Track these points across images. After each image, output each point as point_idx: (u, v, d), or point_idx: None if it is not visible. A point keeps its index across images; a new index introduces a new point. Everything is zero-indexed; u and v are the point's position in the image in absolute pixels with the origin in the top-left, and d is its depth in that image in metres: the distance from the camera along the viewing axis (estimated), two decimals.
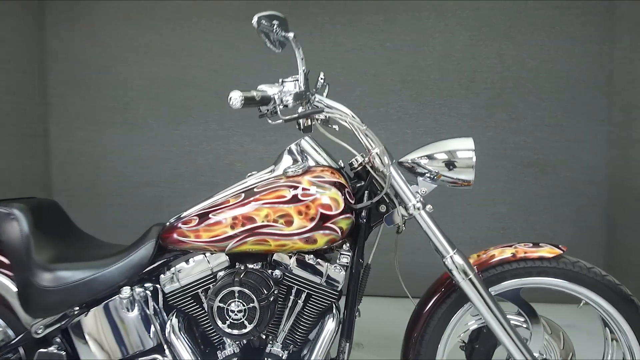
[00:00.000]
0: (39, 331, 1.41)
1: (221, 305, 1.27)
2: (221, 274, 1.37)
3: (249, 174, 1.52)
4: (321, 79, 1.69)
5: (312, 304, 1.36)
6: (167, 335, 1.40)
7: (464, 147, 1.35)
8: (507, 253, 1.38)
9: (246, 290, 1.26)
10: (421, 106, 3.15)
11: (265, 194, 1.33)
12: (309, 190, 1.30)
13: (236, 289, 1.26)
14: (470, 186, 1.38)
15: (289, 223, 1.29)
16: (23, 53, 3.02)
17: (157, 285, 1.44)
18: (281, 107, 1.32)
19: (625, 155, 2.86)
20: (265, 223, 1.30)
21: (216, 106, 3.26)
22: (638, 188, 2.75)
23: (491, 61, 3.06)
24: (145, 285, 1.44)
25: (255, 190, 1.35)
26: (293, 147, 1.45)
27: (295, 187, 1.31)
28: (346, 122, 1.38)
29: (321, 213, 1.29)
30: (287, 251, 1.33)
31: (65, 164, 3.38)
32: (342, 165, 1.50)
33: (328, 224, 1.29)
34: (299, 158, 1.43)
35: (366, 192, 1.40)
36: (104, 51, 3.30)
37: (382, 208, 1.40)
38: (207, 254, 1.38)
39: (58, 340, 1.43)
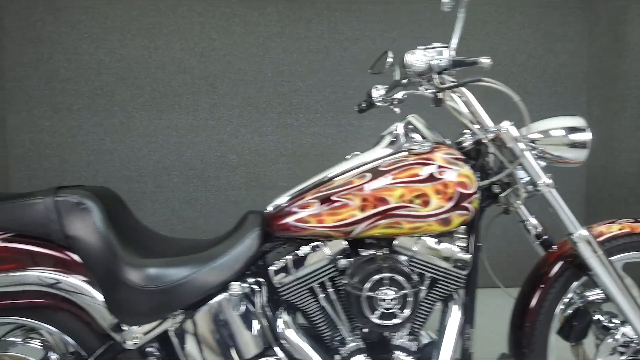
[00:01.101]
0: (135, 341, 1.17)
1: (370, 294, 1.14)
2: (343, 262, 1.25)
3: (352, 154, 1.40)
4: (390, 58, 1.62)
5: (438, 289, 1.28)
6: (279, 333, 1.24)
7: (577, 125, 1.36)
8: (615, 229, 1.41)
9: (397, 277, 1.15)
10: (420, 97, 3.17)
11: (396, 172, 1.22)
12: (445, 167, 1.22)
13: (386, 275, 1.14)
14: (580, 164, 1.39)
15: (426, 203, 1.20)
16: None
17: (259, 279, 1.27)
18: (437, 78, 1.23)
19: (604, 145, 3.12)
20: (400, 204, 1.20)
21: (206, 93, 3.02)
22: (616, 176, 3.01)
23: (484, 55, 3.17)
24: (248, 280, 1.26)
25: (381, 169, 1.24)
26: (400, 125, 1.36)
27: (430, 165, 1.22)
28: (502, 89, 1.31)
29: (459, 192, 1.22)
30: (418, 234, 1.24)
31: (26, 157, 2.91)
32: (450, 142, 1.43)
33: (464, 204, 1.23)
34: (403, 137, 1.34)
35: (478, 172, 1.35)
36: (72, 29, 2.90)
37: (496, 188, 1.36)
38: (325, 241, 1.25)
39: (151, 350, 1.20)
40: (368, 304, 1.15)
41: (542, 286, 1.44)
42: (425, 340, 1.33)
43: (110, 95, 2.96)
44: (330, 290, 1.27)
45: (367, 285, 1.14)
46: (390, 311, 1.15)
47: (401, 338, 1.28)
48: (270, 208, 1.32)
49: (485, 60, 1.27)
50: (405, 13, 3.10)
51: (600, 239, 1.40)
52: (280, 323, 1.26)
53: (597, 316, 1.44)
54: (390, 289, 1.15)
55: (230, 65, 3.02)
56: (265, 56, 3.04)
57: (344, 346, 1.27)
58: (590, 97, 3.20)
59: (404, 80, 1.46)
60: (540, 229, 1.45)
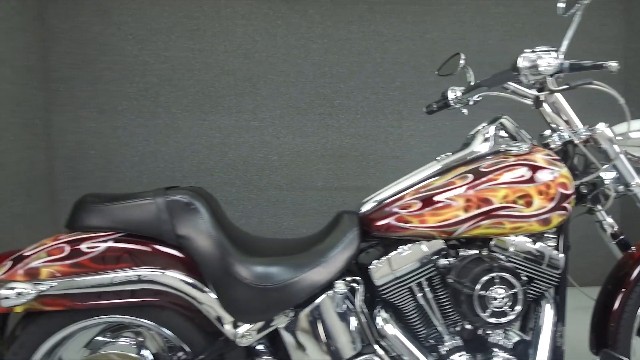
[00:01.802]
0: (249, 339, 1.20)
1: (482, 293, 1.17)
2: (443, 262, 1.27)
3: (442, 155, 1.42)
4: (462, 60, 1.63)
5: (532, 288, 1.31)
6: (379, 330, 1.27)
7: None
8: None
9: (507, 276, 1.18)
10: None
11: (498, 173, 1.25)
12: (546, 168, 1.25)
13: (497, 274, 1.17)
14: None
15: (529, 204, 1.23)
16: (18, 32, 2.57)
17: (356, 278, 1.30)
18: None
19: None
20: (504, 204, 1.23)
21: (249, 94, 3.04)
22: None
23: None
24: (346, 279, 1.29)
25: (482, 170, 1.27)
26: (492, 127, 1.38)
27: (532, 166, 1.25)
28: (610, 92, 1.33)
29: (560, 192, 1.24)
30: (518, 234, 1.26)
31: (71, 158, 2.93)
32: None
33: (564, 204, 1.25)
34: (493, 139, 1.36)
35: None
36: (117, 30, 2.92)
37: (584, 188, 1.38)
38: (423, 241, 1.27)
39: (260, 348, 1.23)
40: (479, 302, 1.17)
41: (624, 289, 1.46)
42: (515, 338, 1.35)
43: (154, 96, 2.98)
44: (427, 289, 1.30)
45: (480, 284, 1.17)
46: (501, 309, 1.18)
47: (497, 336, 1.30)
48: (365, 208, 1.34)
49: (613, 64, 1.29)
50: (445, 14, 3.13)
51: None
52: (379, 321, 1.28)
53: None
54: (501, 288, 1.18)
55: (273, 67, 3.04)
56: (307, 58, 3.06)
57: (442, 344, 1.29)
58: (626, 99, 3.22)
59: (472, 81, 1.48)
60: (616, 228, 1.48)
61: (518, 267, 1.29)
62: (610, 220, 1.49)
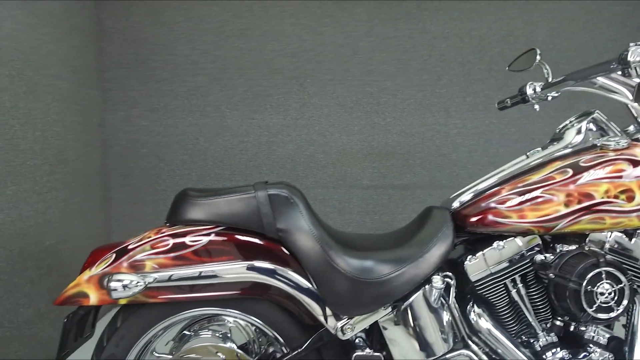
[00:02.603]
0: (348, 331, 1.21)
1: (589, 288, 1.16)
2: (539, 257, 1.27)
3: (532, 151, 1.41)
4: (539, 55, 1.61)
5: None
6: (474, 325, 1.27)
7: None
8: None
9: (614, 270, 1.17)
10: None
11: (599, 168, 1.24)
12: None
13: (603, 269, 1.16)
14: None
15: (631, 199, 1.22)
16: (77, 32, 2.61)
17: (449, 274, 1.30)
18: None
19: None
20: (605, 199, 1.22)
21: (296, 93, 3.06)
22: None
23: (571, 53, 3.16)
24: (440, 274, 1.29)
25: (582, 164, 1.26)
26: (584, 123, 1.36)
27: (633, 161, 1.24)
28: None
29: None
30: (617, 229, 1.25)
31: (123, 156, 2.98)
32: None
33: None
34: (585, 134, 1.35)
35: None
36: (169, 31, 2.97)
37: None
38: (518, 237, 1.27)
39: (358, 341, 1.23)
40: (586, 297, 1.17)
41: None
42: (607, 335, 1.34)
43: (204, 95, 3.01)
44: (520, 285, 1.29)
45: (587, 279, 1.16)
46: (608, 305, 1.17)
47: (592, 332, 1.29)
48: (456, 204, 1.34)
49: None
50: (493, 11, 3.11)
51: None
52: (473, 316, 1.28)
53: None
54: (608, 283, 1.17)
55: (320, 65, 3.05)
56: (354, 56, 3.07)
57: (537, 340, 1.29)
58: None
59: (549, 77, 1.46)
60: None
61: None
62: None
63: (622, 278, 1.17)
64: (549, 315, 1.32)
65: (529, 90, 1.58)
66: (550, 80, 1.55)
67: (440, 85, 3.13)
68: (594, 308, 1.17)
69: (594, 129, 1.35)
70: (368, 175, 3.15)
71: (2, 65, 1.94)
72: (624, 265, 1.28)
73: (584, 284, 1.16)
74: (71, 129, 2.51)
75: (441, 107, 3.14)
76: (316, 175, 3.11)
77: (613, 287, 1.17)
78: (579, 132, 1.35)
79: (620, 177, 1.23)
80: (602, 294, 1.17)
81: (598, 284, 1.17)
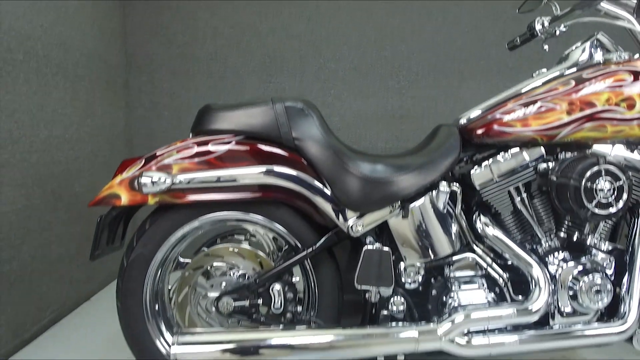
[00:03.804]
0: (359, 229, 1.29)
1: (589, 185, 1.22)
2: (543, 165, 1.33)
3: (537, 72, 1.47)
4: None
5: (631, 195, 1.35)
6: (480, 231, 1.34)
7: None
8: None
9: (613, 168, 1.23)
10: (521, 60, 3.21)
11: (601, 78, 1.30)
12: None
13: (603, 167, 1.22)
14: None
15: (631, 107, 1.27)
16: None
17: (455, 184, 1.37)
18: None
19: None
20: (607, 107, 1.27)
21: (312, 57, 3.14)
22: None
23: None
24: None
25: (585, 76, 1.31)
26: (588, 43, 1.42)
27: (634, 72, 1.29)
28: None
29: None
30: (619, 137, 1.31)
31: (147, 117, 3.11)
32: None
33: None
34: (590, 53, 1.40)
35: None
36: None
37: None
38: (523, 148, 1.33)
39: (369, 240, 1.32)
40: (586, 194, 1.23)
41: None
42: (610, 246, 1.39)
43: (223, 59, 3.12)
44: (524, 194, 1.35)
45: (586, 176, 1.22)
46: (607, 201, 1.23)
47: (594, 239, 1.35)
48: (463, 120, 1.41)
49: None
50: None
51: None
52: (479, 224, 1.35)
53: None
54: (607, 180, 1.23)
55: (336, 30, 3.13)
56: (369, 20, 3.13)
57: (541, 246, 1.35)
58: None
59: (558, 12, 1.51)
60: None
61: None
62: None
63: (622, 175, 1.23)
64: (553, 227, 1.38)
65: (538, 26, 1.63)
66: (558, 14, 1.60)
67: (454, 49, 3.18)
68: (593, 204, 1.23)
69: (598, 48, 1.40)
70: (383, 137, 3.21)
71: (36, 16, 2.07)
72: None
73: (584, 180, 1.22)
74: (98, 85, 2.64)
75: (455, 70, 3.19)
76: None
77: (612, 184, 1.23)
78: (583, 51, 1.40)
79: (621, 86, 1.28)
80: (601, 190, 1.22)
81: (597, 181, 1.22)
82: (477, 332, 1.26)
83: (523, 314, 1.24)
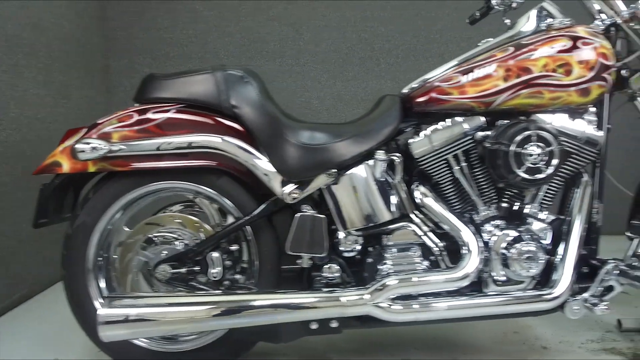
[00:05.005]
0: (295, 196, 1.30)
1: (518, 150, 1.22)
2: (481, 134, 1.32)
3: (483, 40, 1.46)
4: None
5: (570, 165, 1.34)
6: (418, 201, 1.34)
7: None
8: None
9: (544, 133, 1.22)
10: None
11: (539, 44, 1.28)
12: (588, 38, 1.27)
13: (534, 132, 1.21)
14: None
15: (568, 72, 1.26)
16: None
17: (397, 154, 1.37)
18: None
19: None
20: (543, 73, 1.26)
21: (292, 40, 3.14)
22: None
23: None
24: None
25: (524, 42, 1.30)
26: (534, 11, 1.40)
27: (573, 37, 1.28)
28: None
29: (600, 62, 1.26)
30: (557, 105, 1.30)
31: (127, 101, 3.11)
32: None
33: (604, 74, 1.27)
34: (536, 21, 1.39)
35: None
36: None
37: (625, 72, 1.39)
38: (461, 118, 1.33)
39: (305, 208, 1.32)
40: (515, 159, 1.22)
41: None
42: (552, 217, 1.39)
43: (203, 42, 3.12)
44: (464, 164, 1.35)
45: (515, 141, 1.21)
46: (536, 166, 1.22)
47: (533, 208, 1.35)
48: (406, 90, 1.41)
49: None
50: None
51: None
52: (417, 194, 1.35)
53: None
54: (538, 145, 1.22)
55: (315, 12, 3.12)
56: (349, 2, 3.12)
57: (478, 214, 1.35)
58: None
59: None
60: None
61: None
62: None
63: (552, 140, 1.22)
64: (494, 196, 1.37)
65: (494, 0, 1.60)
66: None
67: (434, 31, 3.15)
68: (522, 169, 1.22)
69: (543, 15, 1.39)
70: None
71: None
72: (567, 146, 1.32)
73: (513, 145, 1.21)
74: (74, 68, 2.66)
75: (435, 52, 3.17)
76: (311, 121, 3.19)
77: (543, 149, 1.22)
78: (528, 19, 1.39)
79: (559, 52, 1.27)
80: (530, 155, 1.22)
81: (526, 146, 1.22)
82: (409, 298, 1.27)
83: (451, 280, 1.24)
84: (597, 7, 1.41)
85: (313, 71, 3.17)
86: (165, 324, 1.19)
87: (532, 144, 1.22)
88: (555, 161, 1.23)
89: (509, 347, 1.62)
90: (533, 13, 1.40)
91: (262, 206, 1.33)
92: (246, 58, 3.14)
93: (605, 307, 1.28)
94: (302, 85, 3.17)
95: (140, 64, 3.12)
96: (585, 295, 1.29)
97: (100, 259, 1.38)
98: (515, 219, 1.34)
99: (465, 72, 1.31)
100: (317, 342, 1.61)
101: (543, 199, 1.36)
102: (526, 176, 1.22)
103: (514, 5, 1.60)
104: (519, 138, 1.21)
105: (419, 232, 1.35)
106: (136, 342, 1.37)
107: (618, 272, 1.28)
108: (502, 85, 1.27)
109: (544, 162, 1.22)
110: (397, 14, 3.13)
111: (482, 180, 1.36)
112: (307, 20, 3.12)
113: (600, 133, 1.33)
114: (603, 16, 1.39)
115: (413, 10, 3.13)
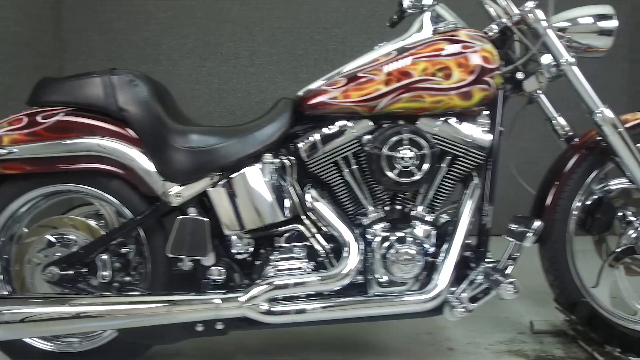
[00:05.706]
0: (178, 199, 1.31)
1: (390, 153, 1.23)
2: (367, 137, 1.33)
3: (378, 45, 1.47)
4: None
5: (457, 168, 1.35)
6: (308, 204, 1.34)
7: (605, 12, 1.38)
8: None
9: (416, 137, 1.23)
10: None
11: (421, 48, 1.29)
12: (468, 42, 1.28)
13: (406, 136, 1.22)
14: (605, 53, 1.41)
15: (448, 76, 1.27)
16: None
17: (290, 158, 1.38)
18: None
19: None
20: (423, 77, 1.27)
21: (246, 41, 3.15)
22: None
23: None
24: (280, 156, 1.37)
25: (407, 47, 1.31)
26: (427, 14, 1.41)
27: (454, 40, 1.29)
28: None
29: (480, 66, 1.27)
30: (440, 109, 1.30)
31: None
32: None
33: (486, 78, 1.28)
34: (430, 25, 1.40)
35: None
36: None
37: (520, 75, 1.40)
38: (350, 121, 1.34)
39: (192, 210, 1.33)
40: (387, 162, 1.23)
41: (557, 182, 1.48)
42: (444, 220, 1.40)
43: (157, 44, 3.14)
44: (354, 166, 1.36)
45: (387, 145, 1.22)
46: (408, 169, 1.23)
47: (421, 211, 1.35)
48: (301, 93, 1.42)
49: None
50: None
51: (626, 125, 1.42)
52: (308, 197, 1.36)
53: (621, 211, 1.47)
54: (410, 149, 1.23)
55: (269, 13, 3.13)
56: (302, 4, 3.13)
57: (366, 217, 1.36)
58: None
59: None
60: (566, 127, 1.49)
61: (443, 146, 1.33)
62: (561, 120, 1.51)
63: (424, 144, 1.23)
64: (387, 199, 1.38)
65: (406, 3, 1.59)
66: None
67: (388, 32, 3.14)
68: (395, 172, 1.23)
69: (434, 19, 1.39)
70: None
71: None
72: (453, 149, 1.33)
73: (385, 148, 1.22)
74: (23, 70, 2.68)
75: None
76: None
77: (415, 153, 1.23)
78: (421, 23, 1.40)
79: (438, 55, 1.27)
80: (402, 158, 1.23)
81: (398, 149, 1.23)
82: (287, 299, 1.28)
83: (328, 280, 1.25)
84: (491, 10, 1.42)
85: (267, 72, 3.18)
86: (41, 325, 1.22)
87: (404, 147, 1.23)
88: (426, 165, 1.24)
89: (416, 348, 1.63)
90: (426, 16, 1.40)
91: (150, 209, 1.34)
92: (200, 59, 3.15)
93: (463, 309, 1.26)
94: (256, 87, 3.18)
95: (95, 65, 3.12)
96: (462, 296, 1.29)
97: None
98: (403, 221, 1.35)
99: (350, 77, 1.32)
100: (227, 343, 1.62)
101: (433, 201, 1.37)
102: (398, 179, 1.24)
103: (424, 8, 1.60)
104: (390, 141, 1.23)
105: (307, 234, 1.36)
106: (30, 342, 1.38)
107: (483, 275, 1.29)
108: (384, 89, 1.28)
109: (416, 166, 1.23)
110: (351, 16, 3.13)
111: (373, 183, 1.37)
112: (260, 22, 3.14)
113: (490, 136, 1.34)
114: (500, 14, 1.40)
115: (366, 11, 3.13)
